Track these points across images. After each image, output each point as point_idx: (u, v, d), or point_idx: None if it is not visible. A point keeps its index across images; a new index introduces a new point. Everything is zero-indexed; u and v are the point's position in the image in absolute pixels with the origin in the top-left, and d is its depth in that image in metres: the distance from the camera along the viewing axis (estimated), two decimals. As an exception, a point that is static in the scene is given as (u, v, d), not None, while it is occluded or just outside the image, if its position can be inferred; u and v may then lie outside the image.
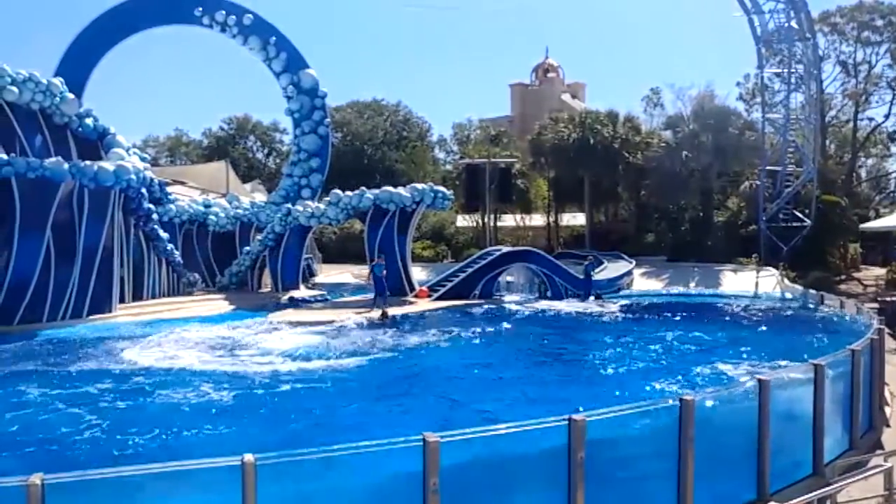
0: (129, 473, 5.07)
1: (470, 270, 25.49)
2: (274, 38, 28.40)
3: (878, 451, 9.26)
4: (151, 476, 5.13)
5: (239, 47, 28.86)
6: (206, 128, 67.34)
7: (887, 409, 11.94)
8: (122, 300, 21.82)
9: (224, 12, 27.74)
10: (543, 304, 24.13)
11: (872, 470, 6.84)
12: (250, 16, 27.97)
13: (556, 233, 45.37)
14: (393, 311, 21.54)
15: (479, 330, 18.48)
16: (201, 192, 31.58)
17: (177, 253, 24.86)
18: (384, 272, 23.03)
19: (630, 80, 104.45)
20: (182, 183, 32.20)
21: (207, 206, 27.42)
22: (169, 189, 27.50)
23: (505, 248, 28.60)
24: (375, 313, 20.57)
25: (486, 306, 23.15)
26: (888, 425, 11.32)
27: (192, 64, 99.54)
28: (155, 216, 23.68)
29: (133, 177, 21.13)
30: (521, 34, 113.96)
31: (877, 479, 6.66)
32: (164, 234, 24.06)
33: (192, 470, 5.30)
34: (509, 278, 27.15)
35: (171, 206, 25.81)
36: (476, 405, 10.94)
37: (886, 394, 12.48)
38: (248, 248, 26.85)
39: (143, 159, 24.65)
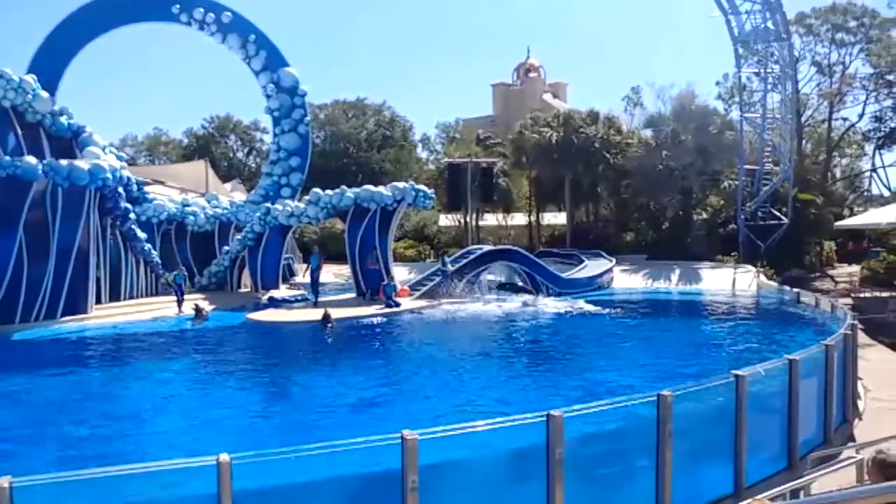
0: (103, 475, 5.01)
1: (451, 269, 25.45)
2: (253, 37, 28.20)
3: (851, 444, 9.39)
4: (127, 477, 5.08)
5: (218, 45, 28.67)
6: (186, 127, 66.87)
7: (860, 403, 12.12)
8: (98, 301, 21.58)
9: (202, 10, 27.49)
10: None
11: (845, 462, 6.92)
12: (229, 13, 27.75)
13: (537, 232, 45.51)
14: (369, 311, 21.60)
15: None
16: (180, 191, 31.29)
17: (155, 253, 24.61)
18: (320, 264, 23.43)
19: (611, 81, 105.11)
20: (161, 183, 31.90)
21: (186, 205, 27.15)
22: (148, 189, 27.26)
23: (487, 247, 28.65)
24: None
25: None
26: (860, 418, 11.49)
27: (172, 62, 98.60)
28: (132, 216, 23.42)
29: (109, 176, 20.88)
30: (502, 34, 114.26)
31: (849, 471, 6.74)
32: (141, 234, 23.81)
33: (169, 470, 5.26)
34: (491, 277, 27.19)
35: (149, 205, 25.55)
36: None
37: (859, 388, 12.67)
38: (227, 247, 26.64)
39: (120, 158, 24.38)
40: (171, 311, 21.53)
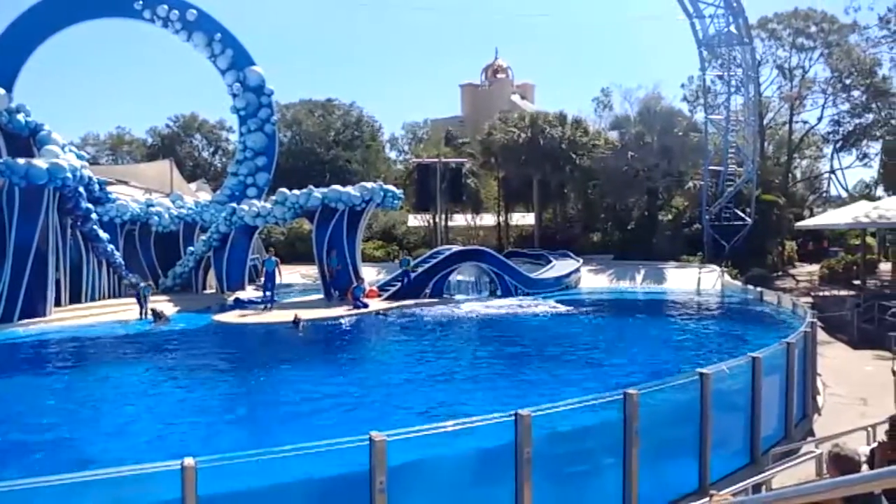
0: (59, 482, 4.88)
1: (420, 269, 25.47)
2: (219, 35, 27.79)
3: (810, 439, 9.61)
4: (85, 484, 4.96)
5: (183, 43, 28.19)
6: (150, 126, 65.68)
7: (819, 399, 12.42)
8: (58, 303, 21.07)
9: (166, 7, 27.00)
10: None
11: (804, 456, 7.09)
12: (194, 11, 27.29)
13: (506, 232, 45.71)
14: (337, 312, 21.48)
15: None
16: (145, 191, 30.72)
17: (118, 254, 24.11)
18: (276, 267, 23.08)
19: (577, 82, 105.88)
20: (125, 182, 31.27)
21: (150, 205, 26.66)
22: (111, 189, 26.72)
23: (455, 248, 28.68)
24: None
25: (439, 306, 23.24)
26: (819, 413, 11.78)
27: (136, 59, 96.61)
28: (94, 216, 22.92)
29: (69, 175, 20.40)
30: (471, 35, 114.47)
31: (809, 465, 6.91)
32: (103, 235, 23.31)
33: (131, 476, 5.14)
34: (460, 277, 27.23)
35: (112, 205, 25.03)
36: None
37: (818, 384, 12.99)
38: (192, 248, 26.23)
39: (80, 157, 23.80)
40: (134, 313, 21.10)
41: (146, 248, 26.41)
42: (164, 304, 22.68)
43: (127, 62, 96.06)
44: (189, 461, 5.11)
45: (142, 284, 21.97)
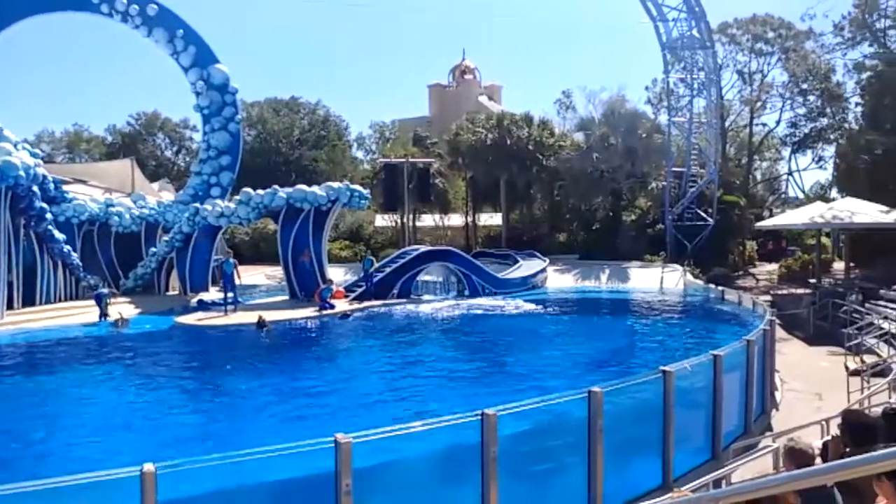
0: (12, 491, 4.75)
1: (386, 270, 25.39)
2: (181, 31, 27.28)
3: (768, 433, 9.84)
4: (40, 493, 4.83)
5: (144, 39, 27.63)
6: (109, 124, 64.29)
7: (777, 394, 12.73)
8: (10, 306, 20.50)
9: (125, 1, 26.41)
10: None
11: (763, 451, 7.25)
12: (155, 6, 26.74)
13: (474, 232, 45.84)
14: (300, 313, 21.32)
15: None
16: (104, 191, 30.03)
17: (75, 255, 23.55)
18: (234, 269, 22.78)
19: (545, 84, 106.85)
20: (83, 182, 30.52)
21: (110, 205, 26.09)
22: (68, 188, 26.07)
23: (423, 248, 28.64)
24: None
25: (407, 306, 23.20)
26: (777, 409, 12.07)
27: (94, 55, 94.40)
28: (49, 216, 22.36)
29: (21, 174, 19.88)
30: (438, 36, 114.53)
31: (767, 459, 7.07)
32: (59, 236, 22.75)
33: (88, 483, 5.03)
34: (427, 278, 27.21)
35: (69, 205, 24.43)
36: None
37: (776, 380, 13.31)
38: (154, 249, 25.74)
39: (34, 155, 23.10)
40: (93, 316, 20.62)
41: (105, 248, 25.82)
42: (124, 306, 22.24)
43: (84, 57, 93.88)
44: (148, 467, 5.02)
45: (104, 291, 21.47)
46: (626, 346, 16.88)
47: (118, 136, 62.49)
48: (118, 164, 39.74)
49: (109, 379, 13.41)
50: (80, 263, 23.86)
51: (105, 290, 21.65)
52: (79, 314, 21.03)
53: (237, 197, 25.32)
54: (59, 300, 22.92)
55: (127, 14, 26.55)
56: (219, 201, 25.82)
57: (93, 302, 21.34)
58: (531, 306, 23.19)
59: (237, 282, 23.25)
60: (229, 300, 21.87)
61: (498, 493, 6.37)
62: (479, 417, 6.39)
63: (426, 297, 25.76)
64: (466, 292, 26.17)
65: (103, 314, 20.40)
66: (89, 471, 5.11)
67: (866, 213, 25.99)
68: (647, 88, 48.93)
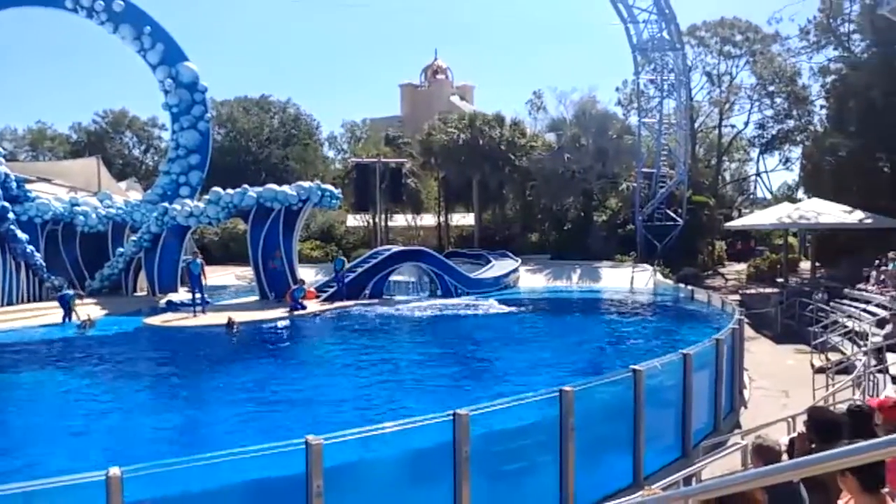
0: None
1: (359, 270, 25.26)
2: (149, 28, 26.85)
3: (737, 431, 9.98)
4: (8, 497, 4.70)
5: (110, 35, 27.13)
6: (74, 121, 63.06)
7: (745, 392, 12.93)
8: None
9: (91, -4, 25.90)
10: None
11: (732, 448, 7.35)
12: (121, 2, 26.25)
13: (446, 232, 45.84)
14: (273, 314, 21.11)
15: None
16: (69, 190, 29.43)
17: (38, 255, 23.04)
18: (201, 270, 22.46)
19: (517, 84, 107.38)
20: (47, 180, 29.88)
21: (75, 204, 25.57)
22: (31, 187, 25.52)
23: (395, 248, 28.56)
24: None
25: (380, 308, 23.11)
26: (746, 406, 12.25)
27: (59, 50, 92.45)
28: (11, 215, 21.87)
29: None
30: (410, 35, 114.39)
31: (735, 456, 7.17)
32: (22, 235, 22.25)
33: (52, 489, 4.91)
34: (400, 278, 27.14)
35: (31, 204, 23.89)
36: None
37: (745, 378, 13.51)
38: (121, 249, 25.28)
39: (-5, 153, 22.65)
40: (57, 317, 20.18)
41: (70, 249, 25.31)
42: (91, 308, 21.81)
43: (49, 53, 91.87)
44: (114, 470, 4.93)
45: (69, 293, 21.00)
46: (597, 345, 17.00)
47: (84, 135, 61.35)
48: (83, 162, 39.04)
49: (73, 382, 13.12)
50: (44, 264, 23.36)
51: (71, 292, 21.19)
52: (43, 315, 20.58)
53: (206, 196, 24.98)
54: (22, 301, 22.42)
55: (92, 10, 26.05)
56: (188, 201, 25.45)
57: (57, 303, 20.89)
58: (504, 307, 23.26)
59: (204, 282, 22.87)
60: (198, 301, 21.52)
61: (470, 492, 6.36)
62: (451, 417, 6.37)
63: (398, 297, 25.69)
64: (439, 292, 26.15)
65: (68, 316, 19.98)
66: (53, 476, 4.99)
67: (831, 213, 26.54)
68: (617, 90, 49.49)
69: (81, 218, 25.14)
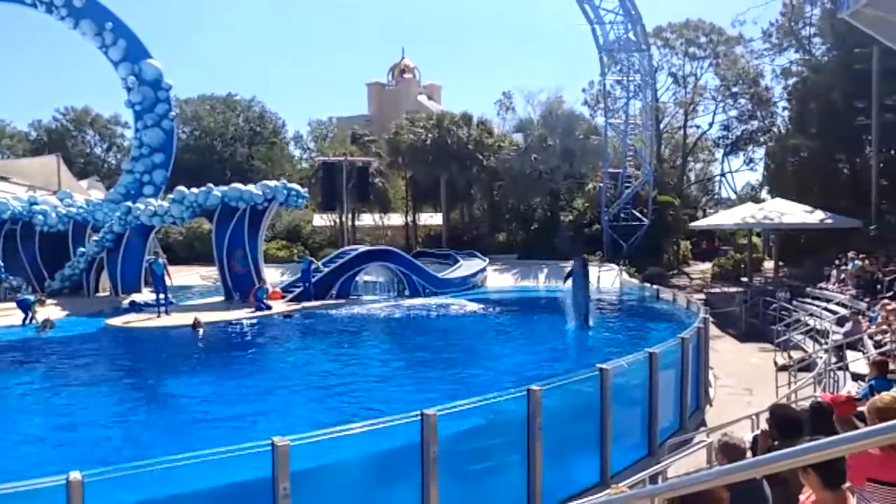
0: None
1: (326, 270, 25.06)
2: (111, 24, 26.28)
3: (703, 429, 10.13)
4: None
5: (70, 31, 26.50)
6: (34, 119, 61.45)
7: (710, 390, 13.12)
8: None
9: (50, -10, 25.27)
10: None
11: (697, 446, 7.45)
12: (82, -3, 25.68)
13: (414, 232, 45.76)
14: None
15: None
16: (27, 188, 28.68)
17: (-5, 256, 22.39)
18: (164, 270, 22.10)
19: (484, 84, 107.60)
20: (4, 179, 29.10)
21: (34, 203, 24.92)
22: (-14, 185, 24.81)
23: (362, 248, 28.40)
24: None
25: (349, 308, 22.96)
26: (711, 404, 12.44)
27: (17, 45, 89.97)
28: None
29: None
30: (377, 33, 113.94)
31: (701, 454, 7.26)
32: (-22, 235, 21.59)
33: (11, 494, 4.76)
34: (367, 278, 27.00)
35: (-12, 203, 23.24)
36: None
37: (710, 376, 13.72)
38: (82, 249, 24.71)
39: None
40: (16, 319, 19.62)
41: (29, 248, 24.69)
42: (52, 309, 21.28)
43: (7, 47, 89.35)
44: (75, 475, 4.80)
45: (30, 298, 20.43)
46: (563, 344, 17.12)
47: (44, 132, 59.85)
48: (43, 160, 38.11)
49: (31, 385, 12.77)
50: (2, 264, 22.68)
51: (31, 297, 20.62)
52: (1, 317, 19.99)
53: (171, 195, 24.55)
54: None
55: (52, 5, 25.46)
56: (152, 200, 25.00)
57: (14, 303, 20.32)
58: (474, 305, 23.29)
59: (168, 282, 22.47)
60: (162, 301, 21.12)
61: (438, 492, 6.35)
62: (419, 418, 6.35)
63: (366, 297, 25.56)
64: (407, 292, 26.09)
65: (27, 316, 19.46)
66: (10, 481, 4.84)
67: (794, 213, 27.04)
68: (584, 90, 49.91)
69: (40, 217, 24.53)
